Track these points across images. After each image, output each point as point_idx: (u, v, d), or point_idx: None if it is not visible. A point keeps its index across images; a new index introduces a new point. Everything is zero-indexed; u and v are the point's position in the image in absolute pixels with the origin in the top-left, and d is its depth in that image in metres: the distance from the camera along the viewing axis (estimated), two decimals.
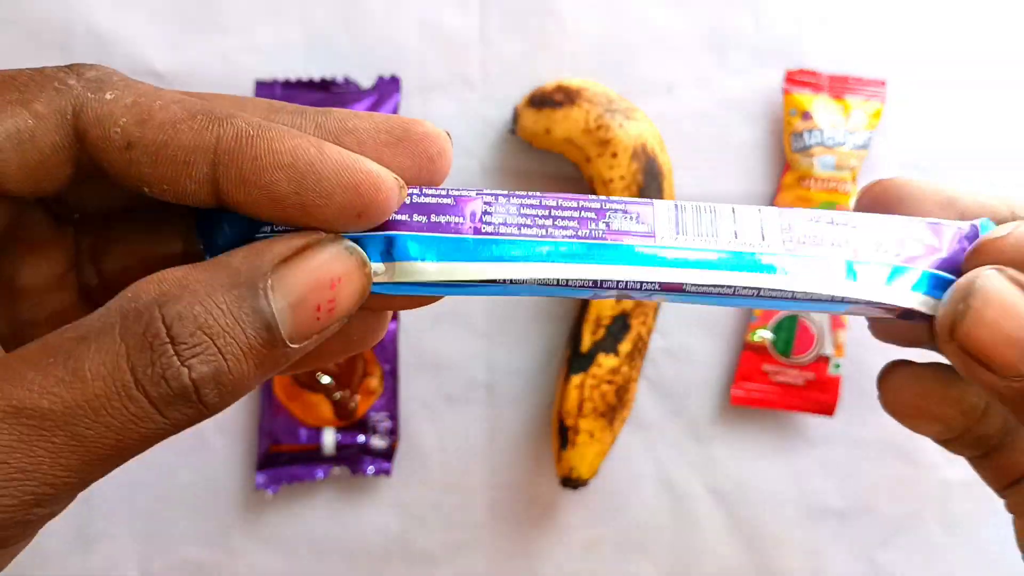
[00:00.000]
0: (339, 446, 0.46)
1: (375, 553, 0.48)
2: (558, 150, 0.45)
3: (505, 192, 0.20)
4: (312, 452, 0.46)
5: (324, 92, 0.45)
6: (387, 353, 0.47)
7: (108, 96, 0.17)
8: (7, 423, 0.15)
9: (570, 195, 0.20)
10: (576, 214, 0.20)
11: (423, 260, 0.19)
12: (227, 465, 0.47)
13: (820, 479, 0.49)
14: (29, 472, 0.15)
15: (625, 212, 0.20)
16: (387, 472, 0.47)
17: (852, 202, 0.47)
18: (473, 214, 0.19)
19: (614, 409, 0.45)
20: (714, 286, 0.19)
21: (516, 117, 0.45)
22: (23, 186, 0.17)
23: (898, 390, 0.22)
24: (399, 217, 0.19)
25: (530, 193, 0.20)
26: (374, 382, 0.46)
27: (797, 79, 0.47)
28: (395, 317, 0.47)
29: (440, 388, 0.48)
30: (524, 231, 0.19)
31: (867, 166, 0.48)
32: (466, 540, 0.48)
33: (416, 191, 0.19)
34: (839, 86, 0.47)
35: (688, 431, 0.49)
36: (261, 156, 0.17)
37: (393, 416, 0.47)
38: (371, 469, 0.46)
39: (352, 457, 0.46)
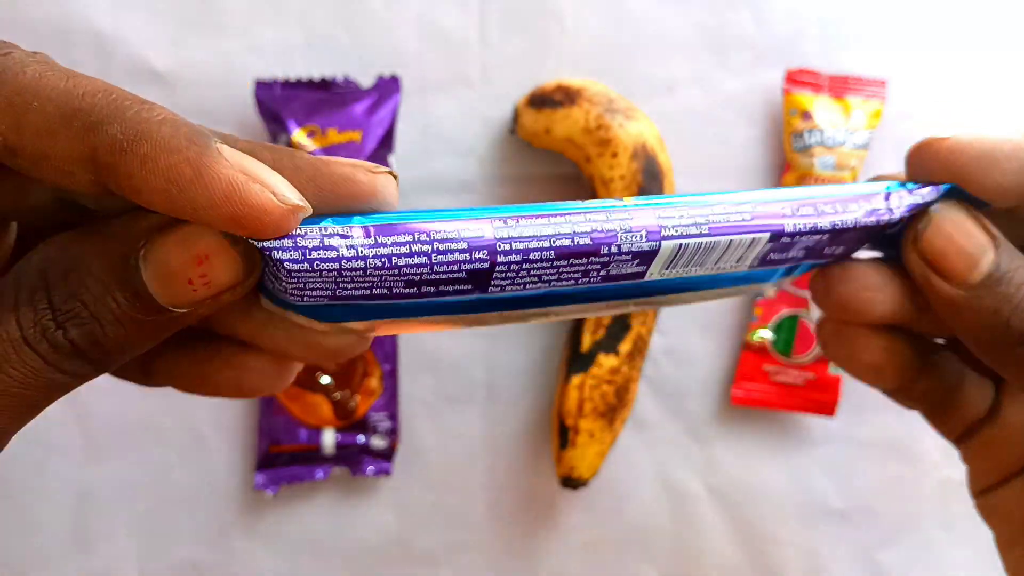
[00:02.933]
0: (339, 446, 0.46)
1: (375, 553, 0.48)
2: (558, 150, 0.45)
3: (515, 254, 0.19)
4: (312, 452, 0.46)
5: (324, 92, 0.45)
6: (387, 353, 0.47)
7: None
8: None
9: (578, 248, 0.19)
10: (582, 267, 0.19)
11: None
12: (227, 465, 0.47)
13: (820, 479, 0.49)
14: None
15: (627, 258, 0.19)
16: (387, 472, 0.47)
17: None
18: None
19: (614, 409, 0.45)
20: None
21: (516, 117, 0.45)
22: None
23: (833, 339, 0.25)
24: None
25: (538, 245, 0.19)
26: (374, 382, 0.46)
27: (797, 79, 0.47)
28: None
29: (440, 388, 0.48)
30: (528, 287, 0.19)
31: (867, 166, 0.48)
32: (466, 540, 0.48)
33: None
34: (839, 86, 0.47)
35: (688, 431, 0.49)
36: (136, 178, 0.16)
37: (393, 416, 0.47)
38: (371, 469, 0.46)
39: (352, 457, 0.46)
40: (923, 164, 0.23)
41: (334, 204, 0.18)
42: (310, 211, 0.17)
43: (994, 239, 0.21)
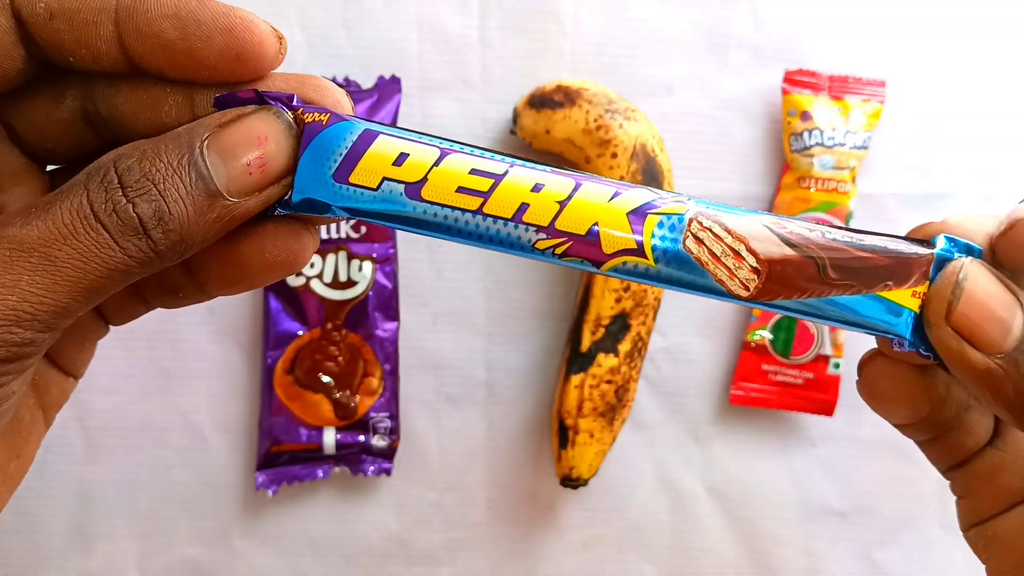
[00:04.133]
0: (339, 446, 0.46)
1: (375, 553, 0.48)
2: (558, 150, 0.45)
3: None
4: (312, 452, 0.46)
5: None
6: (387, 353, 0.47)
7: None
8: None
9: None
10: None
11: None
12: (227, 465, 0.47)
13: (820, 479, 0.49)
14: (9, 287, 0.18)
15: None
16: (387, 472, 0.47)
17: (852, 203, 0.47)
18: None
19: (614, 409, 0.45)
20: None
21: (516, 117, 0.45)
22: None
23: (876, 376, 0.23)
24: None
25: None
26: (374, 382, 0.46)
27: (797, 79, 0.47)
28: (395, 317, 0.47)
29: (440, 388, 0.48)
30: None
31: (866, 166, 0.48)
32: (466, 540, 0.48)
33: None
34: (839, 86, 0.47)
35: (687, 431, 0.49)
36: (151, 9, 0.19)
37: (393, 416, 0.47)
38: (371, 469, 0.47)
39: (352, 457, 0.46)
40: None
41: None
42: (285, 43, 0.21)
43: (1018, 297, 0.20)
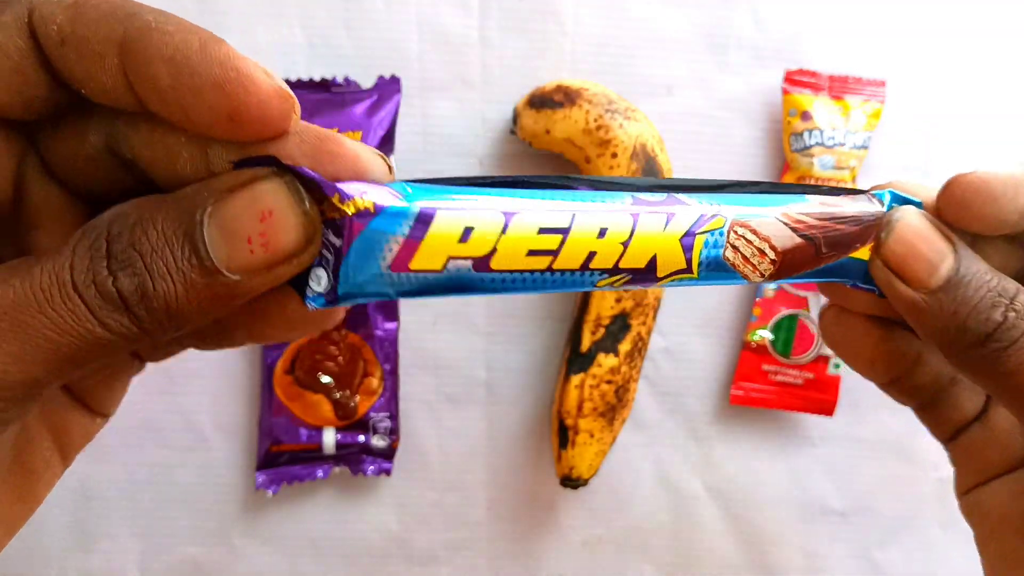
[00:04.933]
0: (339, 446, 0.46)
1: (375, 553, 0.48)
2: (558, 150, 0.45)
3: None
4: (312, 452, 0.46)
5: (324, 92, 0.45)
6: (387, 353, 0.47)
7: None
8: None
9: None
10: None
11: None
12: (227, 465, 0.47)
13: (820, 479, 0.49)
14: None
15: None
16: (387, 472, 0.47)
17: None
18: None
19: (614, 409, 0.45)
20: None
21: (516, 117, 0.45)
22: (6, 100, 0.18)
23: (830, 323, 0.26)
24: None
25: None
26: (374, 382, 0.46)
27: (797, 79, 0.47)
28: (395, 317, 0.47)
29: (440, 388, 0.48)
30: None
31: (867, 166, 0.48)
32: (466, 540, 0.48)
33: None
34: (839, 86, 0.47)
35: (687, 431, 0.49)
36: (149, 47, 0.17)
37: (393, 416, 0.47)
38: (371, 469, 0.47)
39: (352, 457, 0.46)
40: (961, 203, 0.24)
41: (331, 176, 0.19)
42: (298, 111, 0.18)
43: (953, 244, 0.22)
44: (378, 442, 0.46)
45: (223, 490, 0.47)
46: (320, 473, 0.46)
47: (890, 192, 0.24)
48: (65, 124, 0.20)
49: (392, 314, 0.47)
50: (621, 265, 0.20)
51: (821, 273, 0.23)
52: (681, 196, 0.21)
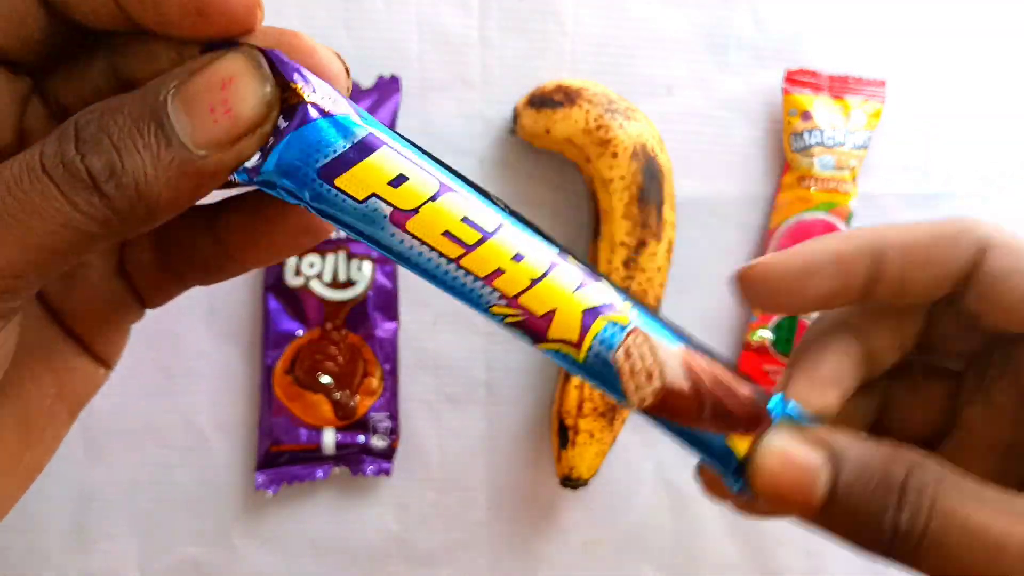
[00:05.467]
0: (339, 446, 0.46)
1: (375, 553, 0.48)
2: (558, 150, 0.45)
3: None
4: (312, 452, 0.46)
5: None
6: (387, 353, 0.47)
7: None
8: None
9: None
10: None
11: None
12: (227, 465, 0.47)
13: None
14: None
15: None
16: (387, 472, 0.47)
17: (852, 203, 0.47)
18: None
19: (614, 409, 0.45)
20: None
21: (516, 117, 0.45)
22: (6, 41, 0.19)
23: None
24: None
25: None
26: (374, 382, 0.46)
27: (797, 79, 0.47)
28: (395, 317, 0.47)
29: (440, 388, 0.48)
30: None
31: (866, 166, 0.48)
32: (466, 540, 0.48)
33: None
34: (839, 86, 0.47)
35: None
36: None
37: (393, 416, 0.47)
38: (371, 469, 0.47)
39: (352, 457, 0.46)
40: (747, 294, 0.23)
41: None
42: (263, 9, 0.20)
43: (829, 452, 0.20)
44: (378, 442, 0.46)
45: (223, 490, 0.47)
46: (320, 473, 0.46)
47: (779, 399, 0.23)
48: (67, 64, 0.20)
49: (392, 314, 0.47)
50: (520, 300, 0.20)
51: (694, 441, 0.22)
52: (605, 281, 0.21)
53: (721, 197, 0.48)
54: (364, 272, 0.46)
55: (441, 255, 0.19)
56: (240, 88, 0.18)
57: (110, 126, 0.17)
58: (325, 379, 0.46)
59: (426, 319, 0.48)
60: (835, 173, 0.47)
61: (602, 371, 0.21)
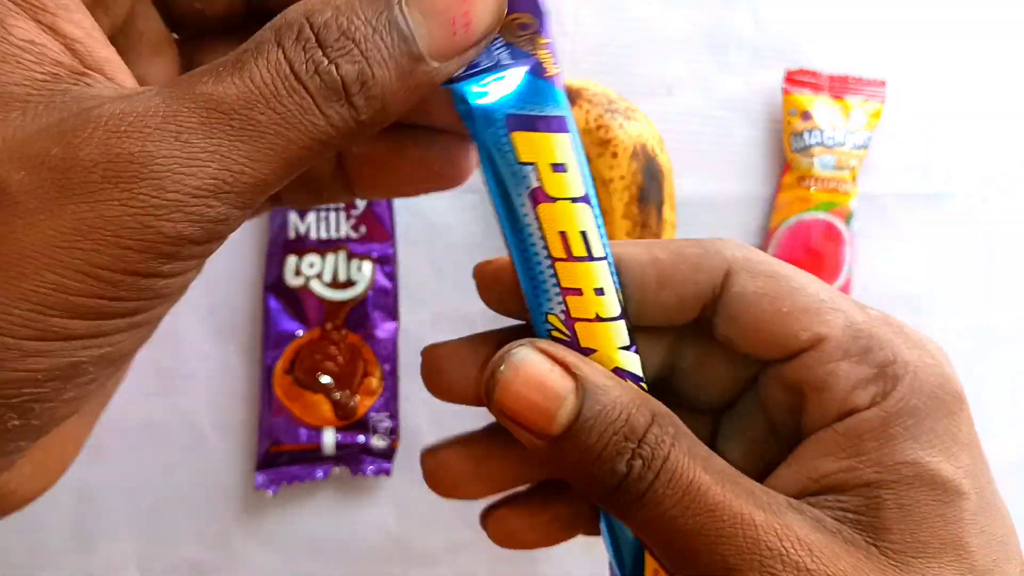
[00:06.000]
0: (339, 446, 0.46)
1: (375, 553, 0.48)
2: None
3: None
4: (312, 452, 0.46)
5: None
6: (387, 353, 0.47)
7: None
8: (188, 107, 0.16)
9: None
10: None
11: None
12: (227, 465, 0.47)
13: None
14: (211, 152, 0.16)
15: None
16: (387, 472, 0.47)
17: (852, 203, 0.47)
18: None
19: None
20: None
21: None
22: None
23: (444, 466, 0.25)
24: None
25: None
26: (374, 382, 0.46)
27: (797, 79, 0.47)
28: (395, 317, 0.47)
29: None
30: None
31: (866, 166, 0.48)
32: (466, 540, 0.48)
33: None
34: (839, 86, 0.47)
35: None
36: None
37: (393, 416, 0.47)
38: (371, 469, 0.47)
39: (352, 457, 0.46)
40: (480, 292, 0.23)
41: None
42: None
43: (577, 381, 0.19)
44: (378, 442, 0.46)
45: (223, 490, 0.47)
46: (320, 473, 0.46)
47: None
48: None
49: (392, 314, 0.47)
50: (576, 325, 0.20)
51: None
52: (638, 357, 0.21)
53: (721, 197, 0.48)
54: (364, 272, 0.46)
55: (545, 247, 0.20)
56: (480, 2, 0.18)
57: (353, 31, 0.17)
58: (325, 379, 0.46)
59: (426, 319, 0.48)
60: (835, 173, 0.47)
61: None
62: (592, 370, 0.20)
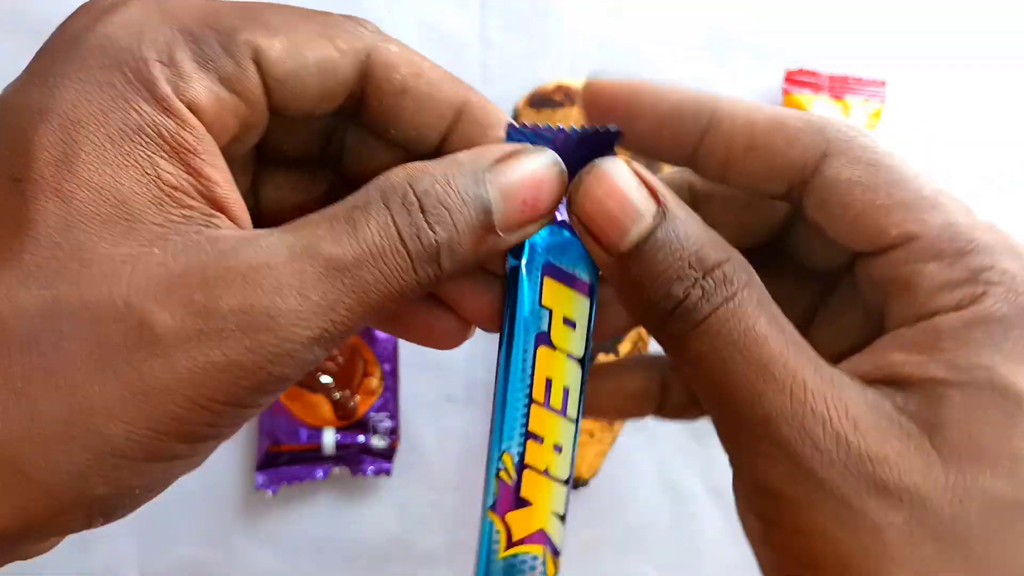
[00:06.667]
0: (339, 446, 0.46)
1: (375, 553, 0.48)
2: None
3: None
4: (312, 452, 0.46)
5: None
6: (387, 353, 0.47)
7: (394, 48, 0.22)
8: (311, 265, 0.18)
9: None
10: None
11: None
12: (227, 465, 0.47)
13: None
14: (324, 307, 0.18)
15: None
16: (387, 472, 0.47)
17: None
18: None
19: None
20: None
21: (516, 117, 0.45)
22: (313, 106, 0.21)
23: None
24: None
25: None
26: (374, 382, 0.46)
27: (797, 79, 0.47)
28: None
29: (440, 388, 0.48)
30: None
31: None
32: (466, 540, 0.48)
33: None
34: (839, 86, 0.47)
35: (688, 431, 0.49)
36: (492, 126, 0.21)
37: (393, 416, 0.47)
38: (371, 469, 0.47)
39: (352, 457, 0.46)
40: (583, 108, 0.24)
41: None
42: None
43: (659, 206, 0.19)
44: (378, 442, 0.46)
45: (223, 490, 0.47)
46: (320, 473, 0.46)
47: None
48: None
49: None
50: (525, 473, 0.21)
51: None
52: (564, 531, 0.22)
53: None
54: None
55: (529, 387, 0.21)
56: (548, 189, 0.20)
57: (447, 200, 0.19)
58: (325, 379, 0.46)
59: None
60: None
61: None
62: (677, 202, 0.20)
